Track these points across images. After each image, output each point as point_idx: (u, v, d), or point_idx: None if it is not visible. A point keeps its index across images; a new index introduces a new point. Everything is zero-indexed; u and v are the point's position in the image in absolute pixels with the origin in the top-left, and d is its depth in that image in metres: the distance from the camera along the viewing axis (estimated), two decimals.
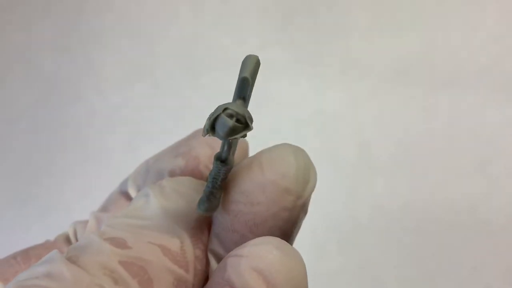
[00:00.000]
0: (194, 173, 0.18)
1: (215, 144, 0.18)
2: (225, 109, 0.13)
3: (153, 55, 0.46)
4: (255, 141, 0.43)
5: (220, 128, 0.13)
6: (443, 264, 0.40)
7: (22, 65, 0.47)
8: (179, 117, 0.43)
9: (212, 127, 0.14)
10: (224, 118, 0.13)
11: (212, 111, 0.14)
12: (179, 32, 0.47)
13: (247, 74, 0.13)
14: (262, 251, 0.13)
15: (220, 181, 0.15)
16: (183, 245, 0.15)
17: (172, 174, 0.18)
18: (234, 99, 0.14)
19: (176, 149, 0.18)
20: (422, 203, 0.41)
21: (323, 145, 0.43)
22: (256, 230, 0.14)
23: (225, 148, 0.15)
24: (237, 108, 0.13)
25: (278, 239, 0.13)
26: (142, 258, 0.14)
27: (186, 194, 0.16)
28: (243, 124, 0.13)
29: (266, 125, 0.43)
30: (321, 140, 0.43)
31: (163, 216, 0.15)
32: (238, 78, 0.14)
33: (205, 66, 0.44)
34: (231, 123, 0.13)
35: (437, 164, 0.42)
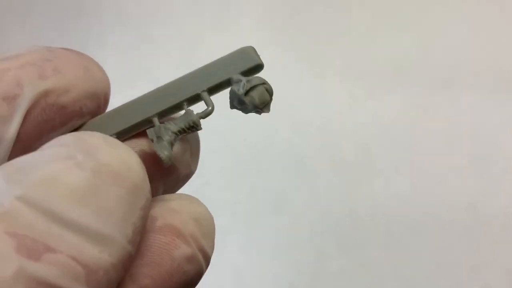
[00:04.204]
0: None
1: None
2: (264, 83, 0.14)
3: (153, 55, 0.46)
4: (255, 141, 0.43)
5: (258, 97, 0.14)
6: (443, 264, 0.40)
7: None
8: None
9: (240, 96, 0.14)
10: (265, 91, 0.14)
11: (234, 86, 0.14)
12: (179, 32, 0.47)
13: (261, 61, 0.14)
14: (194, 204, 0.14)
15: (183, 134, 0.14)
16: (111, 269, 0.11)
17: None
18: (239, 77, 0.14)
19: None
20: (422, 202, 0.41)
21: (323, 145, 0.43)
22: None
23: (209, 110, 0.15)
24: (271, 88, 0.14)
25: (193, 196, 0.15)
26: (59, 286, 0.10)
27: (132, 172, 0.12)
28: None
29: (266, 125, 0.43)
30: (321, 140, 0.43)
31: (97, 207, 0.11)
32: (251, 63, 0.14)
33: None
34: (269, 98, 0.14)
35: (437, 164, 0.42)
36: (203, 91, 0.15)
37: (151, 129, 0.14)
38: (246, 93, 0.14)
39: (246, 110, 0.14)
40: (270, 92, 0.14)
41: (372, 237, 0.41)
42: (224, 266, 0.41)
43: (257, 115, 0.15)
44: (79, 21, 0.48)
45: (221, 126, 0.42)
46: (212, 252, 0.14)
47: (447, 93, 0.43)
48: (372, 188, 0.42)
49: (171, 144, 0.14)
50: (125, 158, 0.12)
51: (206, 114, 0.14)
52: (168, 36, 0.47)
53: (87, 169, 0.11)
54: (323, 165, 0.42)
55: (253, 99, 0.14)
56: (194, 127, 0.14)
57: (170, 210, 0.14)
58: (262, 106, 0.14)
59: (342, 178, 0.42)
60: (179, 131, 0.14)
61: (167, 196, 0.15)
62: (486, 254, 0.40)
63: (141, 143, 0.15)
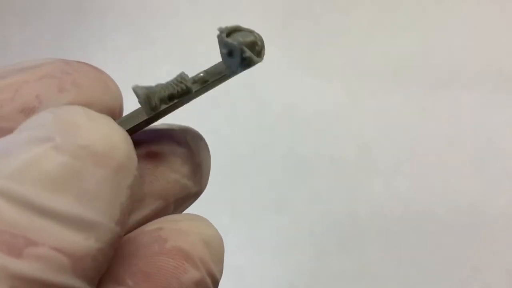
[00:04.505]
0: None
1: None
2: (251, 31, 0.13)
3: (153, 55, 0.46)
4: (255, 141, 0.43)
5: (241, 36, 0.13)
6: (443, 264, 0.40)
7: None
8: (179, 116, 0.43)
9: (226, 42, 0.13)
10: (249, 33, 0.13)
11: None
12: (179, 31, 0.47)
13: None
14: (204, 226, 0.14)
15: (171, 91, 0.14)
16: (99, 254, 0.11)
17: None
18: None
19: None
20: (422, 203, 0.41)
21: (323, 145, 0.43)
22: None
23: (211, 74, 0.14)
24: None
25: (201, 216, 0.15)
26: (43, 280, 0.10)
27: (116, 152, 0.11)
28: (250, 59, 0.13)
29: (266, 125, 0.43)
30: (321, 140, 0.43)
31: (79, 190, 0.10)
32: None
33: (205, 66, 0.44)
34: (256, 41, 0.13)
35: (437, 164, 0.42)
36: (203, 71, 0.14)
37: None
38: (228, 34, 0.13)
39: (237, 59, 0.13)
40: (257, 37, 0.13)
41: (372, 237, 0.41)
42: (225, 266, 0.41)
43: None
44: (79, 21, 0.48)
45: (222, 126, 0.42)
46: (221, 276, 0.14)
47: (447, 93, 0.43)
48: (372, 188, 0.41)
49: (159, 98, 0.13)
50: (108, 134, 0.11)
51: (199, 78, 0.14)
52: (168, 36, 0.47)
53: (66, 152, 0.10)
54: (323, 165, 0.42)
55: (237, 38, 0.13)
56: (183, 83, 0.13)
57: (179, 231, 0.14)
58: (249, 47, 0.13)
59: (342, 178, 0.42)
60: (167, 87, 0.13)
61: (177, 216, 0.15)
62: (486, 254, 0.40)
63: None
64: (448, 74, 0.44)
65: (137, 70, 0.46)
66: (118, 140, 0.11)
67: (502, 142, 0.42)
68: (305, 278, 0.40)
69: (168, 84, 0.13)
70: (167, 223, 0.14)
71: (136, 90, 0.13)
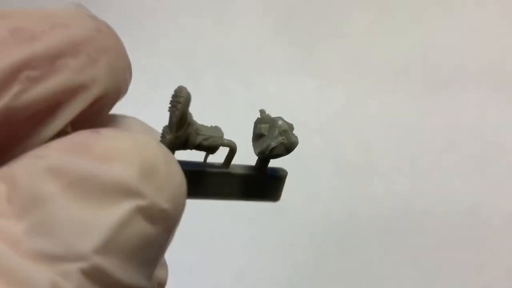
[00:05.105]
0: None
1: None
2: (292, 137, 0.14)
3: (153, 55, 0.46)
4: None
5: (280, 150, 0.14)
6: (443, 264, 0.40)
7: None
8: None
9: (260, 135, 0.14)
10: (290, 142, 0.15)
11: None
12: (179, 32, 0.47)
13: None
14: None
15: (201, 136, 0.14)
16: None
17: None
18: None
19: None
20: (422, 203, 0.41)
21: (323, 145, 0.43)
22: None
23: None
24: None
25: None
26: None
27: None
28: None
29: None
30: (321, 140, 0.43)
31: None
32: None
33: (205, 66, 0.44)
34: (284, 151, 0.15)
35: (437, 164, 0.42)
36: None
37: None
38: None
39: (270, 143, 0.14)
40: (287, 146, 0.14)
41: (372, 237, 0.41)
42: (225, 266, 0.41)
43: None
44: None
45: (221, 126, 0.42)
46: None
47: (447, 93, 0.43)
48: (372, 188, 0.41)
49: (189, 137, 0.13)
50: (181, 191, 0.11)
51: (228, 143, 0.15)
52: (168, 36, 0.47)
53: (149, 218, 0.10)
54: (323, 165, 0.42)
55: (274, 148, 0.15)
56: (211, 138, 0.14)
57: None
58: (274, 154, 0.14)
59: (342, 178, 0.42)
60: (199, 131, 0.14)
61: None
62: (486, 254, 0.40)
63: None
64: (448, 74, 0.44)
65: (136, 70, 0.46)
66: (184, 195, 0.11)
67: (502, 142, 0.42)
68: (305, 278, 0.40)
69: (199, 136, 0.14)
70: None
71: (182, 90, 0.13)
